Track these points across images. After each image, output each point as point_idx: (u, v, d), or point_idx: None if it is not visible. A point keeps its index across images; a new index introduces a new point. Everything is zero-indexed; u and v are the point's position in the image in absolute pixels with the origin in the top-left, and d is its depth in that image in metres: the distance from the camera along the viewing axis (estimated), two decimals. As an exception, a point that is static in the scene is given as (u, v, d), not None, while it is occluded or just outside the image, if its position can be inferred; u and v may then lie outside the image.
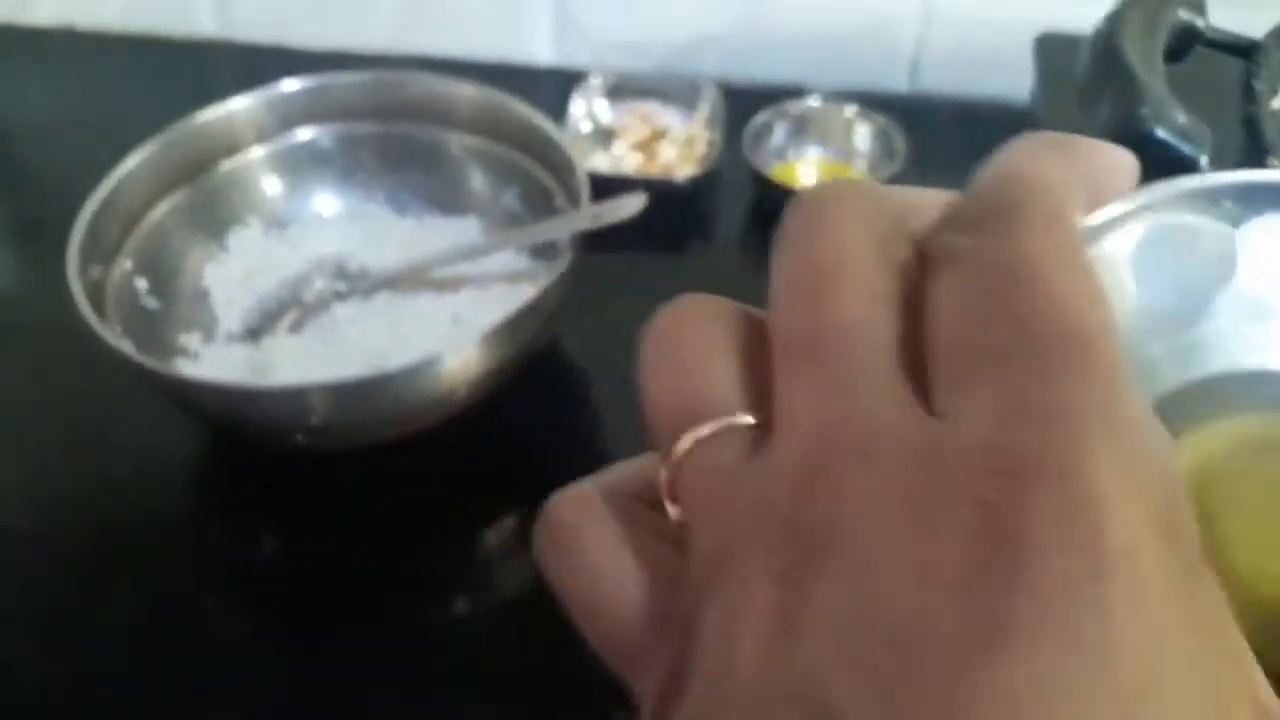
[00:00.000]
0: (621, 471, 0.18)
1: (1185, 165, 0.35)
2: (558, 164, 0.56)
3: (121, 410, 0.53)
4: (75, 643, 0.47)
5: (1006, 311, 0.14)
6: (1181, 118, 0.35)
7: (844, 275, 0.15)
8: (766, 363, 0.16)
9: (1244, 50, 0.39)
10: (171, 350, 0.53)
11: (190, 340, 0.54)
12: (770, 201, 0.65)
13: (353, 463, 0.51)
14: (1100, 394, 0.13)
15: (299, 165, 0.58)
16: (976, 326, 0.14)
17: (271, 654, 0.47)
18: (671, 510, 0.16)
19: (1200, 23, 0.40)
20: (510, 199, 0.59)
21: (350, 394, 0.45)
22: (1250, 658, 0.13)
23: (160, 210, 0.55)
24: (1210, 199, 0.19)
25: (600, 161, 0.67)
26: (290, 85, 0.57)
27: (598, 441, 0.55)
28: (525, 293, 0.50)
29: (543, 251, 0.56)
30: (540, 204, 0.57)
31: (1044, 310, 0.14)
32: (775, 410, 0.15)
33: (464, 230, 0.59)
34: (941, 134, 0.68)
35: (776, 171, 0.66)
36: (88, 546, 0.50)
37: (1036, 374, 0.14)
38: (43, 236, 0.65)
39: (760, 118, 0.66)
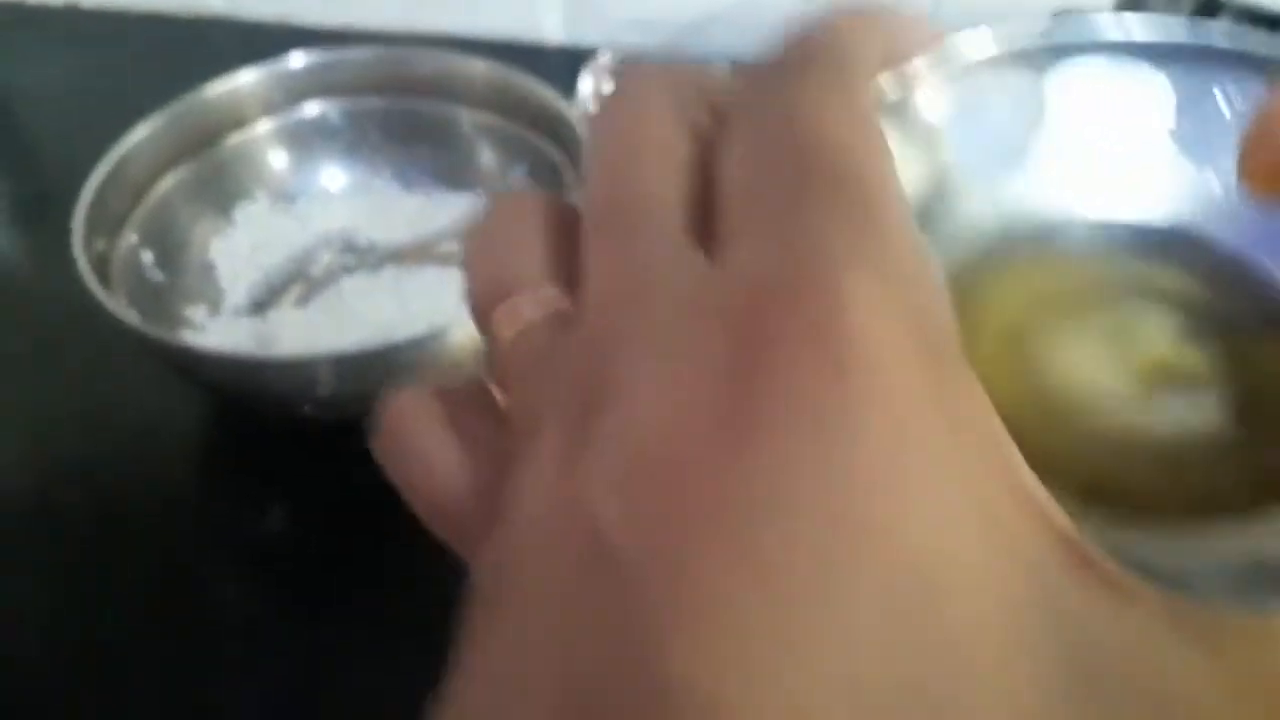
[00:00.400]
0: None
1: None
2: (566, 140, 0.56)
3: (127, 383, 0.53)
4: (79, 613, 0.47)
5: (778, 158, 0.15)
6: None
7: (640, 147, 0.16)
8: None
9: (1273, 21, 0.39)
10: (177, 323, 0.53)
11: (196, 313, 0.54)
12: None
13: (360, 433, 0.51)
14: (861, 227, 0.14)
15: (306, 140, 0.58)
16: (753, 175, 0.15)
17: (277, 624, 0.47)
18: (498, 394, 0.17)
19: (1221, -7, 0.40)
20: (518, 175, 0.59)
21: (357, 365, 0.45)
22: (1013, 450, 0.13)
23: (166, 183, 0.55)
24: (1018, 46, 0.19)
25: (608, 140, 0.67)
26: (298, 60, 0.56)
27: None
28: (533, 268, 0.50)
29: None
30: (548, 180, 0.57)
31: (814, 154, 0.14)
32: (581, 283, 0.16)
33: (471, 206, 0.59)
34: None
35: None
36: (93, 517, 0.50)
37: (802, 214, 0.14)
38: (48, 212, 0.65)
39: (770, 97, 0.66)
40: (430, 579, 0.49)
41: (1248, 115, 0.19)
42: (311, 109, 0.58)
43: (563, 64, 0.71)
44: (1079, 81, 0.19)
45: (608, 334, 0.14)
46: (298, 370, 0.45)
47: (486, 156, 0.59)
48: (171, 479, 0.52)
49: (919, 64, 0.18)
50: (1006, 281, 0.19)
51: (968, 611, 0.11)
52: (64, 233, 0.49)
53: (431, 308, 0.53)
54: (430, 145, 0.59)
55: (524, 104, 0.57)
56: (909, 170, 0.17)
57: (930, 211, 0.19)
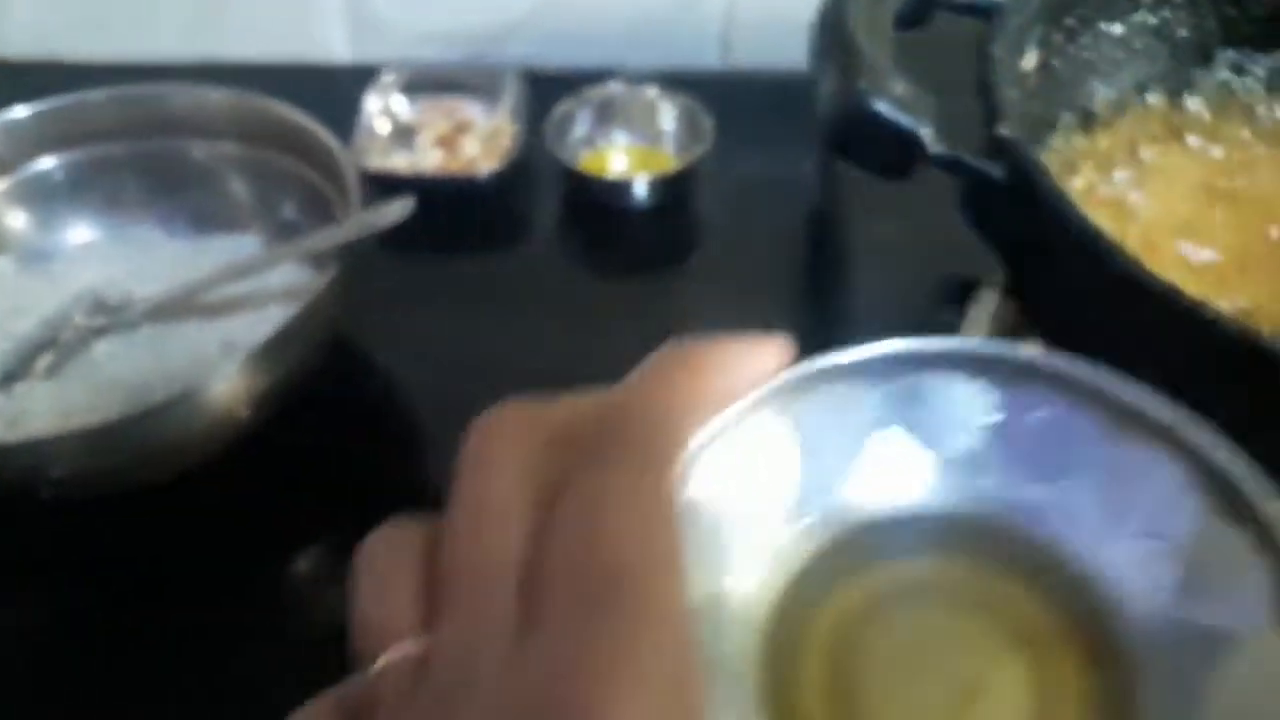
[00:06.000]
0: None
1: (908, 137, 0.33)
2: (333, 170, 0.52)
3: None
4: None
5: (582, 555, 0.16)
6: (900, 89, 0.33)
7: (489, 516, 0.18)
8: None
9: (983, 12, 0.38)
10: (-87, 406, 0.49)
11: (-63, 393, 0.50)
12: (580, 193, 0.63)
13: (142, 497, 0.47)
14: (634, 641, 0.15)
15: (48, 194, 0.54)
16: (561, 564, 0.17)
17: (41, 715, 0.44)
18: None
19: (936, -17, 0.38)
20: (289, 210, 0.55)
21: (90, 441, 0.42)
22: None
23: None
24: (860, 368, 0.22)
25: (400, 161, 0.64)
26: (21, 112, 0.52)
27: (401, 452, 0.52)
28: (301, 311, 0.47)
29: (327, 264, 0.53)
30: (320, 213, 0.54)
31: (609, 562, 0.16)
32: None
33: (242, 248, 0.55)
34: (750, 109, 0.66)
35: (587, 161, 0.64)
36: None
37: (586, 623, 0.16)
38: None
39: (561, 107, 0.63)
40: (216, 656, 0.46)
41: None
42: (46, 162, 0.53)
43: (354, 84, 0.68)
44: (930, 389, 0.22)
45: (440, 707, 0.16)
46: (19, 454, 0.41)
47: (251, 193, 0.55)
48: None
49: (772, 385, 0.20)
50: (833, 587, 0.22)
51: None
52: None
53: (191, 363, 0.50)
54: (191, 187, 0.55)
55: (280, 133, 0.53)
56: (737, 491, 0.20)
57: (767, 517, 0.22)
